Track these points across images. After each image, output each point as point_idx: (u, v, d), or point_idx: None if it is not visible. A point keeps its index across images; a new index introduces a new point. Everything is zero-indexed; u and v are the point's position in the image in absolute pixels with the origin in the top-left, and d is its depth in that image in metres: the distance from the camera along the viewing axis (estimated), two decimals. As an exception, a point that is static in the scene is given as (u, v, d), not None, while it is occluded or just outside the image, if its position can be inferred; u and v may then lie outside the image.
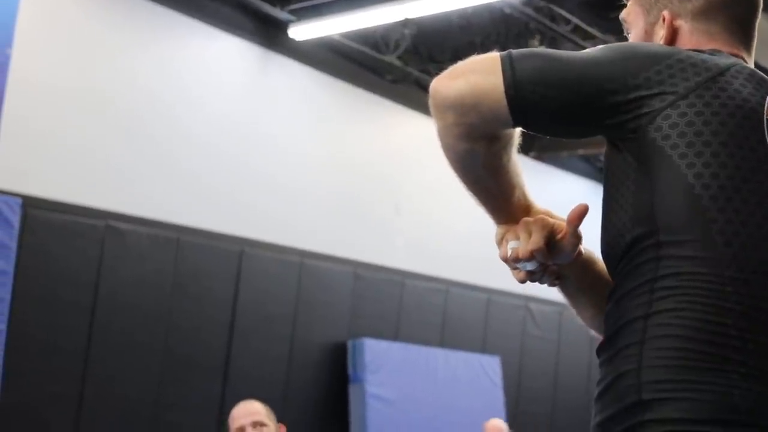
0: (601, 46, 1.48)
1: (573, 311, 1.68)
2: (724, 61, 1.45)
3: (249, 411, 3.42)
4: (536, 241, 1.47)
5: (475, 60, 1.44)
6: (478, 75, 1.41)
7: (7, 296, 5.91)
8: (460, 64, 1.45)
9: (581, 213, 1.48)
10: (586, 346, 10.11)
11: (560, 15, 7.79)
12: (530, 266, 1.52)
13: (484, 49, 9.11)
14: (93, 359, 6.76)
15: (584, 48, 7.91)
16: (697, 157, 1.35)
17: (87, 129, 6.92)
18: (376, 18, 7.75)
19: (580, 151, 10.25)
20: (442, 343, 9.31)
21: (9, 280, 5.92)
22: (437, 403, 8.70)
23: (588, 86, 1.39)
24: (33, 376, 6.45)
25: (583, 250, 1.56)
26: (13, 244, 5.98)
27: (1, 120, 5.97)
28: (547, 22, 7.79)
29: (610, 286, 1.47)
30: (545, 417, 10.32)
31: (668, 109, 1.37)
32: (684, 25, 1.59)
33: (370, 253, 8.84)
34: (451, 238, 9.35)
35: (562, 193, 9.10)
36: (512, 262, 1.51)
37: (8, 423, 6.10)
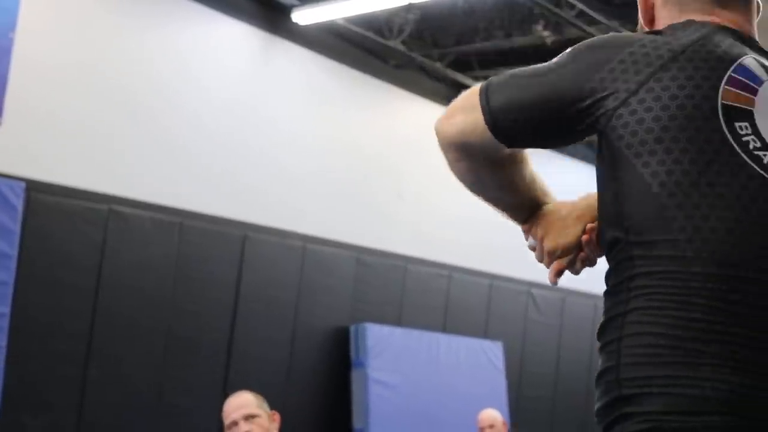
0: (567, 51, 1.48)
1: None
2: (686, 38, 1.42)
3: (239, 404, 3.43)
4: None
5: (464, 96, 1.52)
6: (464, 113, 1.50)
7: (11, 279, 5.92)
8: (453, 103, 1.55)
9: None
10: (588, 332, 10.12)
11: (565, 0, 7.76)
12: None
13: (488, 34, 8.98)
14: (96, 342, 6.78)
15: (590, 34, 7.89)
16: (650, 156, 1.34)
17: (90, 113, 6.92)
18: (380, 3, 7.74)
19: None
20: (445, 328, 9.33)
21: (12, 264, 5.94)
22: (439, 388, 8.72)
23: (552, 102, 1.43)
24: (36, 359, 6.47)
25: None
26: (17, 228, 6.00)
27: (5, 104, 5.98)
28: (552, 7, 7.76)
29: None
30: (547, 402, 10.34)
31: (620, 108, 1.37)
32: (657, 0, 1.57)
33: (373, 239, 8.84)
34: (453, 223, 9.34)
35: (563, 176, 9.07)
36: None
37: (12, 405, 6.12)
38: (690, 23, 1.48)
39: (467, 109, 1.49)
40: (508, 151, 1.52)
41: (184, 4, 7.54)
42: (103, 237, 6.88)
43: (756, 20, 1.57)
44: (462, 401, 8.60)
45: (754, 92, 1.38)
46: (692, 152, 1.33)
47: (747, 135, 1.35)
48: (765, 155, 1.34)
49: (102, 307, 6.83)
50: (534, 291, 10.24)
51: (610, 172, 1.40)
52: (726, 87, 1.37)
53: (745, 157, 1.33)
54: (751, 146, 1.34)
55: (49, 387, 6.53)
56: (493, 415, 6.06)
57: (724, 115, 1.35)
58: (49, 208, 6.62)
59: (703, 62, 1.38)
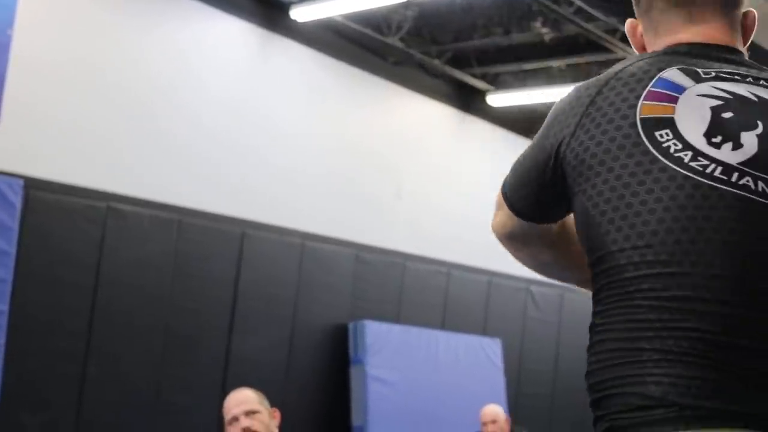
0: None
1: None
2: (614, 69, 1.51)
3: (241, 400, 3.45)
4: None
5: (497, 195, 1.66)
6: (498, 209, 1.65)
7: (9, 277, 5.92)
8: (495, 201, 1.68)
9: None
10: (586, 329, 10.09)
11: (563, -3, 7.76)
12: None
13: (486, 31, 8.94)
14: (95, 339, 6.78)
15: (589, 31, 7.85)
16: (586, 183, 1.44)
17: (89, 110, 6.92)
18: (378, 0, 7.73)
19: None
20: (443, 325, 9.33)
21: (11, 261, 5.94)
22: (438, 386, 8.72)
23: (536, 171, 1.54)
24: (35, 357, 6.47)
25: None
26: (15, 225, 5.99)
27: (3, 101, 5.97)
28: (551, 4, 7.75)
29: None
30: (546, 399, 10.35)
31: (565, 151, 1.47)
32: (642, 28, 1.65)
33: (372, 236, 8.85)
34: (452, 220, 9.35)
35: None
36: None
37: (11, 403, 6.12)
38: (638, 55, 1.56)
39: (499, 205, 1.64)
40: (556, 229, 1.64)
41: (183, 2, 7.53)
42: (101, 234, 6.88)
43: (738, 25, 1.59)
44: (461, 398, 8.61)
45: (675, 100, 1.44)
46: (617, 169, 1.42)
47: (668, 141, 1.41)
48: (687, 154, 1.39)
49: (101, 304, 6.83)
50: (533, 288, 10.24)
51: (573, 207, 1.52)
52: (644, 102, 1.44)
53: (666, 161, 1.39)
54: (672, 150, 1.40)
55: (47, 385, 6.53)
56: (496, 410, 6.09)
57: (643, 128, 1.42)
58: (47, 206, 6.62)
59: (624, 86, 1.47)
